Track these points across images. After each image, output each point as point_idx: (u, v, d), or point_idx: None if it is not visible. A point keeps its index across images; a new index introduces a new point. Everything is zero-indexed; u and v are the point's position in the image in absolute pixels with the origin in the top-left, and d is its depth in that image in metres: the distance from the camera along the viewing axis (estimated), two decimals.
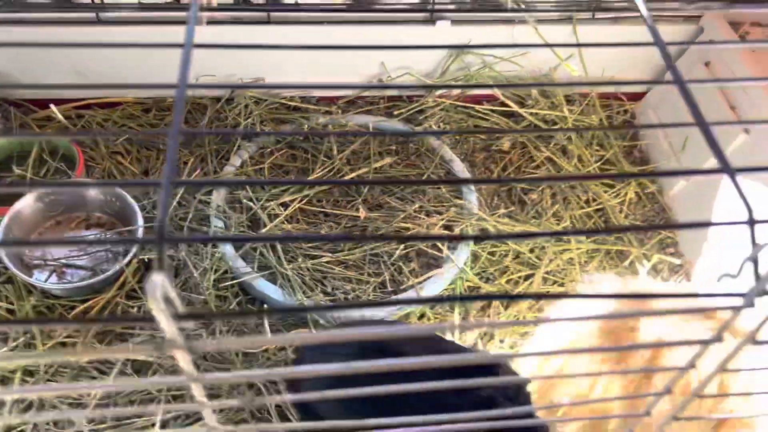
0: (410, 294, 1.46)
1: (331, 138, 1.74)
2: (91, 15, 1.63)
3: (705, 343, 0.51)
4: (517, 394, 1.05)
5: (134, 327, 1.39)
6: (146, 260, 1.46)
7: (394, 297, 1.47)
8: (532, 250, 1.60)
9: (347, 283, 1.49)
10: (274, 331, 1.39)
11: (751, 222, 0.47)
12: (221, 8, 1.69)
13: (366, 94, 1.86)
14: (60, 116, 1.68)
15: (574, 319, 1.05)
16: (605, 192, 1.73)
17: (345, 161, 1.71)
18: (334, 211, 1.62)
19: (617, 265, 1.61)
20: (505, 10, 1.69)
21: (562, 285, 1.55)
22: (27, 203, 1.47)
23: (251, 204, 1.58)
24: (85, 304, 1.41)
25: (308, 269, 1.49)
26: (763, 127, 1.54)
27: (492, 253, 1.59)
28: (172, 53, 1.50)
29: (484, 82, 1.85)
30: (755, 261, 0.46)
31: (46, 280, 1.45)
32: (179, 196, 1.57)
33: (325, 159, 1.71)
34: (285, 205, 1.61)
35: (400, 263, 1.54)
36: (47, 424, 1.22)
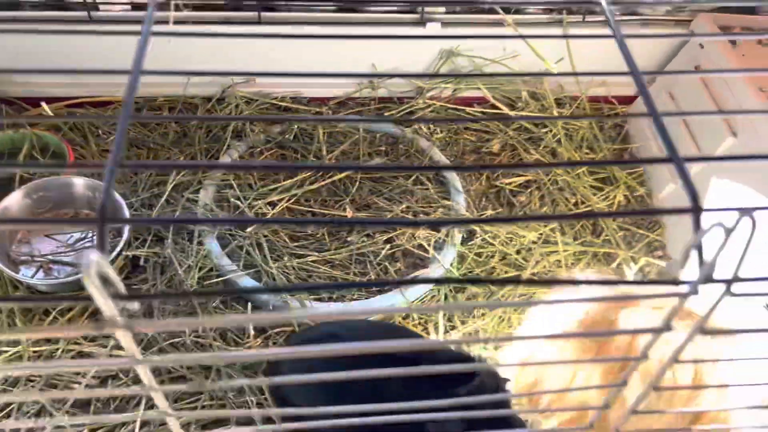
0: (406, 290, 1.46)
1: (320, 138, 1.75)
2: (83, 14, 1.65)
3: (655, 332, 0.51)
4: (496, 391, 1.05)
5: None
6: (131, 257, 1.47)
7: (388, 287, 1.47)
8: (518, 252, 1.60)
9: (332, 281, 1.49)
10: (257, 329, 1.40)
11: (695, 210, 0.47)
12: (213, 8, 1.70)
13: (357, 95, 1.87)
14: (51, 114, 1.69)
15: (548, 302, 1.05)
16: (594, 195, 1.73)
17: (334, 161, 1.72)
18: (322, 211, 1.63)
19: (604, 267, 1.61)
20: (494, 13, 1.70)
21: (548, 286, 1.55)
22: (15, 199, 1.48)
23: (238, 203, 1.59)
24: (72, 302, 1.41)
25: (294, 268, 1.49)
26: (751, 130, 1.54)
27: (479, 254, 1.59)
28: (167, 54, 1.51)
29: (475, 84, 1.86)
30: (699, 248, 0.46)
31: (32, 276, 1.46)
32: (167, 194, 1.57)
33: (314, 159, 1.72)
34: (273, 205, 1.61)
35: (386, 263, 1.54)
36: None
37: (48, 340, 1.36)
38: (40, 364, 0.47)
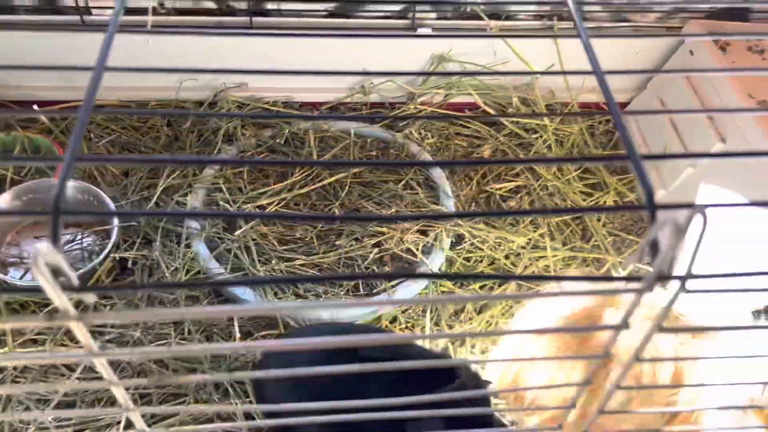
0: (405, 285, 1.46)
1: (311, 142, 1.75)
2: (75, 18, 1.66)
3: (614, 328, 0.51)
4: (476, 389, 1.05)
5: (105, 325, 1.39)
6: (118, 258, 1.47)
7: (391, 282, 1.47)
8: (507, 257, 1.60)
9: (320, 285, 1.49)
10: (243, 332, 1.40)
11: (651, 207, 0.47)
12: (205, 13, 1.71)
13: (348, 100, 1.88)
14: (43, 117, 1.70)
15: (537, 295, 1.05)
16: (584, 200, 1.74)
17: (324, 165, 1.72)
18: (311, 214, 1.63)
19: (593, 272, 1.61)
20: (482, 19, 1.71)
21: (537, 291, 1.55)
22: (4, 201, 1.49)
23: (228, 206, 1.59)
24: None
25: (281, 271, 1.50)
26: (739, 136, 1.54)
27: (467, 259, 1.59)
28: (156, 57, 1.52)
29: (466, 90, 1.86)
30: (654, 244, 0.47)
31: (21, 278, 1.46)
32: (156, 197, 1.58)
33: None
34: (262, 208, 1.62)
35: (374, 267, 1.54)
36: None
37: (34, 341, 1.36)
38: None
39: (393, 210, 1.64)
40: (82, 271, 1.41)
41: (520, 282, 1.56)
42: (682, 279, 0.47)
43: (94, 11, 1.68)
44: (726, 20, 1.84)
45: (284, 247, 1.55)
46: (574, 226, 1.70)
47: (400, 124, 1.84)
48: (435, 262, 1.54)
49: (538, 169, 1.77)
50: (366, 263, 1.54)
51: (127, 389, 0.53)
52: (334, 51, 1.77)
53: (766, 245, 1.40)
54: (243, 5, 1.69)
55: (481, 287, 1.54)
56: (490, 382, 1.08)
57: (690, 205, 0.47)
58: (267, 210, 1.61)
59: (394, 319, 1.47)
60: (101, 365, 0.50)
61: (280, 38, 1.72)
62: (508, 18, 1.79)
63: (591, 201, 1.74)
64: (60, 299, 0.42)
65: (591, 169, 1.81)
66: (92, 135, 1.76)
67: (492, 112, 1.86)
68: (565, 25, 1.80)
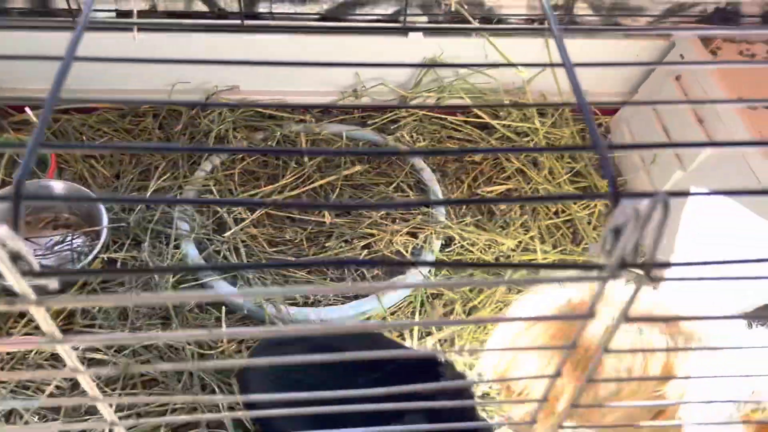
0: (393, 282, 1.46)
1: (303, 145, 1.76)
2: (68, 20, 1.67)
3: (581, 318, 0.51)
4: (459, 391, 1.05)
5: (93, 326, 1.39)
6: (107, 259, 1.47)
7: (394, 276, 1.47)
8: (497, 259, 1.60)
9: (309, 285, 1.49)
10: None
11: (613, 195, 0.47)
12: (196, 16, 1.72)
13: (340, 103, 1.88)
14: (35, 119, 1.70)
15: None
16: (574, 204, 1.74)
17: (316, 168, 1.73)
18: (301, 216, 1.63)
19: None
20: (471, 24, 1.71)
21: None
22: None
23: (218, 208, 1.59)
24: None
25: (270, 273, 1.49)
26: (728, 139, 1.55)
27: (474, 274, 1.59)
28: (152, 57, 1.52)
29: (458, 94, 1.87)
30: (616, 231, 0.47)
31: None
32: (147, 198, 1.58)
33: (296, 166, 1.73)
34: (252, 210, 1.62)
35: (363, 268, 1.54)
36: None
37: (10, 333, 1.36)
38: None
39: (383, 212, 1.64)
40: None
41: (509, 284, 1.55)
42: (646, 267, 0.48)
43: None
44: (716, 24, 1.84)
45: (273, 249, 1.56)
46: (564, 229, 1.70)
47: (392, 127, 1.84)
48: (424, 268, 1.53)
49: (529, 172, 1.77)
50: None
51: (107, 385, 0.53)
52: (326, 54, 1.77)
53: (755, 241, 1.41)
54: (235, 8, 1.70)
55: (470, 290, 1.54)
56: (475, 382, 1.08)
57: (652, 194, 0.47)
58: (257, 211, 1.61)
59: (382, 319, 1.47)
60: (64, 352, 0.50)
61: (272, 41, 1.73)
62: (499, 21, 1.80)
63: (581, 204, 1.74)
64: (19, 284, 0.42)
65: (582, 173, 1.81)
66: (84, 138, 1.76)
67: (484, 116, 1.86)
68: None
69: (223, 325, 1.37)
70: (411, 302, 1.50)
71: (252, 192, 1.65)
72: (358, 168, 1.74)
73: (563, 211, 1.72)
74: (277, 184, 1.67)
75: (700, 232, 1.55)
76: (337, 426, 0.68)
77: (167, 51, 1.68)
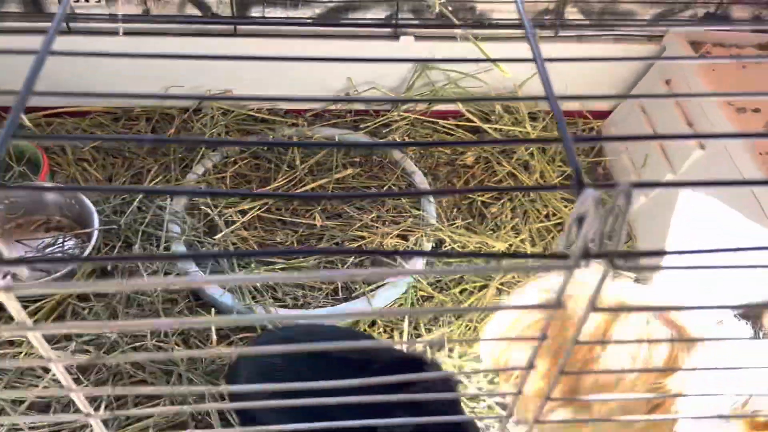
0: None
1: (295, 148, 1.76)
2: (61, 25, 1.68)
3: (545, 308, 0.52)
4: (444, 389, 1.05)
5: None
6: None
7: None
8: (488, 262, 1.60)
9: (299, 289, 1.50)
10: (221, 336, 1.40)
11: (578, 185, 0.48)
12: (190, 21, 1.73)
13: (333, 107, 1.89)
14: (28, 123, 1.71)
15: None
16: (565, 207, 1.74)
17: (308, 171, 1.73)
18: (292, 219, 1.64)
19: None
20: (462, 26, 1.72)
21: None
22: None
23: (209, 210, 1.60)
24: (37, 304, 1.42)
25: (259, 271, 1.50)
26: (718, 143, 1.55)
27: (447, 264, 1.59)
28: (145, 61, 1.53)
29: (450, 98, 1.88)
30: (579, 221, 0.47)
31: None
32: (138, 200, 1.59)
33: (287, 169, 1.73)
34: (243, 213, 1.62)
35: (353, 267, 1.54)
36: None
37: None
38: None
39: (374, 215, 1.64)
40: (62, 272, 1.41)
41: (499, 286, 1.56)
42: (609, 256, 0.48)
43: (79, 18, 1.70)
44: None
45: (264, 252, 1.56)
46: (555, 232, 1.70)
47: (384, 131, 1.85)
48: (415, 267, 1.54)
49: (520, 175, 1.78)
50: (345, 267, 1.54)
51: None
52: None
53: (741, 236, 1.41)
54: (227, 12, 1.71)
55: (461, 292, 1.55)
56: (460, 381, 1.08)
57: (615, 183, 0.48)
58: (248, 214, 1.62)
59: (372, 323, 1.47)
60: (35, 339, 0.50)
61: (264, 45, 1.74)
62: (490, 26, 1.81)
63: (572, 207, 1.74)
64: None
65: (573, 176, 1.81)
66: (78, 141, 1.77)
67: (476, 120, 1.87)
68: (546, 33, 1.81)
69: (212, 328, 1.37)
70: (401, 304, 1.50)
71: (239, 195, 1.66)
72: (349, 171, 1.74)
73: (554, 215, 1.73)
74: (268, 187, 1.68)
75: (692, 233, 1.55)
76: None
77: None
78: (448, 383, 1.06)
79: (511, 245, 1.64)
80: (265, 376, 1.15)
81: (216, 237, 1.54)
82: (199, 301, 1.47)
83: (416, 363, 1.07)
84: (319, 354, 1.10)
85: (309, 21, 1.77)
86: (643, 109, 1.83)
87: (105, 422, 1.22)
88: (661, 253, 0.54)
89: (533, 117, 1.90)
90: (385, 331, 1.46)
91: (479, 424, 1.20)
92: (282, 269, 1.53)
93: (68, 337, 1.37)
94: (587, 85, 1.90)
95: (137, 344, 1.35)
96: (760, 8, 1.83)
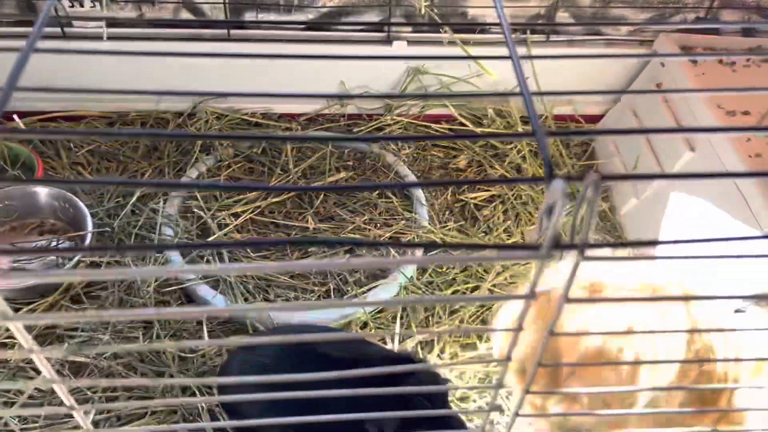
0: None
1: (289, 152, 1.77)
2: (56, 30, 1.69)
3: (522, 298, 0.52)
4: (434, 390, 1.06)
5: (76, 329, 1.40)
6: (89, 263, 1.48)
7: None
8: (480, 263, 1.61)
9: (292, 290, 1.51)
10: (213, 337, 1.40)
11: (549, 178, 0.49)
12: (185, 24, 1.75)
13: (326, 111, 1.91)
14: (23, 127, 1.72)
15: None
16: None
17: (301, 174, 1.74)
18: (285, 222, 1.64)
19: None
20: (444, 25, 1.74)
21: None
22: None
23: (202, 213, 1.61)
24: (29, 307, 1.42)
25: (253, 277, 1.51)
26: (708, 145, 1.56)
27: (440, 265, 1.60)
28: (139, 66, 1.54)
29: (442, 102, 1.89)
30: (549, 212, 0.48)
31: None
32: (131, 203, 1.60)
33: (281, 172, 1.74)
34: (237, 216, 1.63)
35: (346, 273, 1.55)
36: None
37: None
38: None
39: (366, 217, 1.65)
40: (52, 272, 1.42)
41: (491, 287, 1.57)
42: (580, 247, 0.49)
43: (75, 23, 1.71)
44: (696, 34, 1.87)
45: (257, 254, 1.57)
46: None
47: (377, 135, 1.86)
48: (407, 269, 1.55)
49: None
50: (338, 269, 1.55)
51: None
52: (312, 62, 1.80)
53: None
54: (221, 17, 1.73)
55: (453, 294, 1.55)
56: (449, 380, 1.09)
57: (583, 176, 0.49)
58: (241, 217, 1.63)
59: (364, 325, 1.48)
60: (16, 330, 0.51)
61: (258, 49, 1.75)
62: (482, 31, 1.82)
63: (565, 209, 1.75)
64: None
65: None
66: (72, 145, 1.78)
67: (469, 124, 1.88)
68: (538, 38, 1.83)
69: (204, 328, 1.38)
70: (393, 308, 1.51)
71: (237, 198, 1.67)
72: (342, 175, 1.75)
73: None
74: (260, 190, 1.68)
75: (682, 234, 1.56)
76: (312, 427, 0.69)
77: (152, 60, 1.70)
78: (436, 380, 1.07)
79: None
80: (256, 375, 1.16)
81: (209, 239, 1.55)
82: (192, 302, 1.47)
83: (406, 362, 1.07)
84: (311, 356, 1.11)
85: (302, 26, 1.78)
86: (634, 113, 1.84)
87: (96, 424, 1.23)
88: (633, 244, 0.55)
89: (525, 121, 1.91)
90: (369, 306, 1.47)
91: (479, 423, 1.20)
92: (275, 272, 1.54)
93: (60, 339, 1.38)
94: (578, 89, 1.91)
95: (128, 345, 1.35)
96: (750, 13, 1.85)
